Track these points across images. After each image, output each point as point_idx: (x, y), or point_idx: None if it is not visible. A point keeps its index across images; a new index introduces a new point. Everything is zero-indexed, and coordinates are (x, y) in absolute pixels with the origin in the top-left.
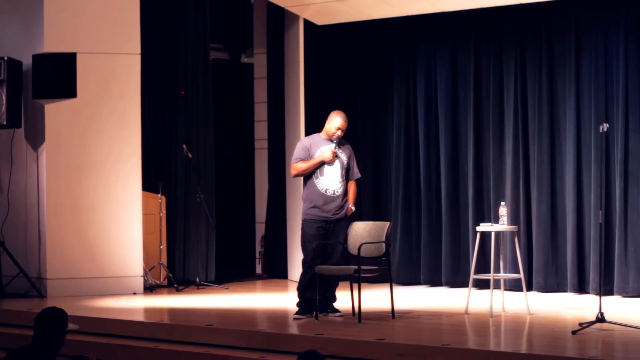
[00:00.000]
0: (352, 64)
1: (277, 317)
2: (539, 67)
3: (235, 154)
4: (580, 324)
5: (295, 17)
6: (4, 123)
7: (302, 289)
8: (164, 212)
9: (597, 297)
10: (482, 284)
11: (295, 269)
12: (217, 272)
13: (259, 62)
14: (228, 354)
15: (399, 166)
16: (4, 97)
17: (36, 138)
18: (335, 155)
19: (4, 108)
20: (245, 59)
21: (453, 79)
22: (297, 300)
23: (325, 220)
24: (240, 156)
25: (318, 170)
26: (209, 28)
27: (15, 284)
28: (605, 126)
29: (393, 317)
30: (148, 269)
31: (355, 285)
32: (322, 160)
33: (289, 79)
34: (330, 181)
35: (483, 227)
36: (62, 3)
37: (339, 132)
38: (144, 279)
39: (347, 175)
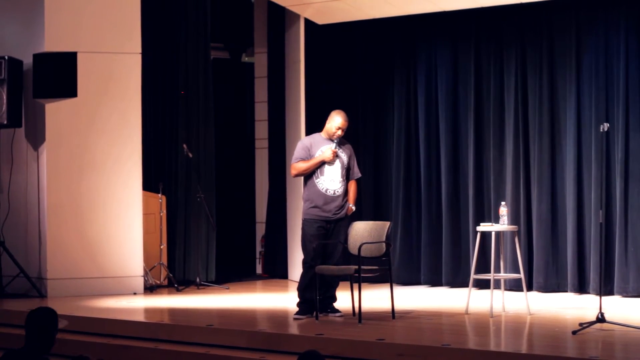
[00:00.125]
0: (353, 63)
1: (277, 317)
2: (540, 67)
3: (236, 153)
4: (581, 324)
5: (296, 17)
6: (5, 122)
7: (302, 289)
8: (165, 212)
9: (598, 297)
10: (483, 284)
11: (296, 269)
12: (218, 272)
13: (260, 61)
14: (228, 354)
15: (400, 166)
16: (4, 97)
17: (36, 138)
18: (336, 155)
19: (4, 107)
20: (246, 59)
21: (454, 79)
22: (298, 300)
23: (325, 220)
24: (241, 156)
25: (318, 170)
26: (210, 27)
27: (16, 284)
28: (606, 126)
29: (393, 317)
30: (148, 269)
31: (355, 285)
32: (322, 160)
33: (290, 78)
34: (331, 181)
35: (483, 227)
36: (62, 2)
37: (339, 132)
38: (145, 279)
39: (347, 175)
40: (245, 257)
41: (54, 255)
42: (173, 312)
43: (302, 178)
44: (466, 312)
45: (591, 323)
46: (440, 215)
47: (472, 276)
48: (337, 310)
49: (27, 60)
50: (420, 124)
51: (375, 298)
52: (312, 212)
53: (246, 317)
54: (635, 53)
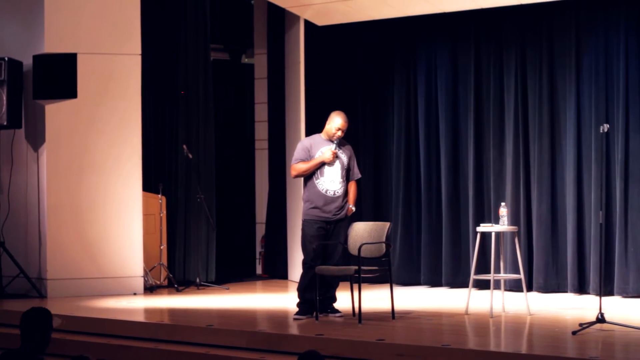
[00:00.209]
0: (353, 64)
1: (277, 318)
2: (540, 68)
3: (236, 154)
4: (581, 325)
5: (296, 18)
6: (5, 123)
7: (302, 290)
8: (164, 212)
9: (598, 298)
10: (483, 285)
11: (296, 270)
12: (218, 272)
13: (260, 62)
14: (228, 355)
15: (400, 166)
16: (4, 98)
17: (36, 138)
18: (336, 156)
19: (4, 108)
20: (246, 60)
21: (453, 79)
22: (298, 300)
23: (325, 220)
24: (241, 157)
25: (318, 171)
26: (210, 28)
27: (16, 285)
28: (606, 126)
29: (393, 317)
30: (148, 270)
31: (355, 286)
32: (322, 161)
33: (290, 79)
34: (331, 182)
35: (483, 227)
36: (62, 3)
37: (339, 133)
38: (144, 279)
39: (347, 176)
40: (245, 258)
41: (54, 255)
42: (173, 312)
43: (302, 179)
44: (466, 313)
45: (591, 323)
46: (440, 216)
47: (472, 276)
48: (337, 311)
49: (27, 62)
50: (420, 124)
51: (375, 298)
52: (312, 213)
53: (246, 318)
54: (635, 53)
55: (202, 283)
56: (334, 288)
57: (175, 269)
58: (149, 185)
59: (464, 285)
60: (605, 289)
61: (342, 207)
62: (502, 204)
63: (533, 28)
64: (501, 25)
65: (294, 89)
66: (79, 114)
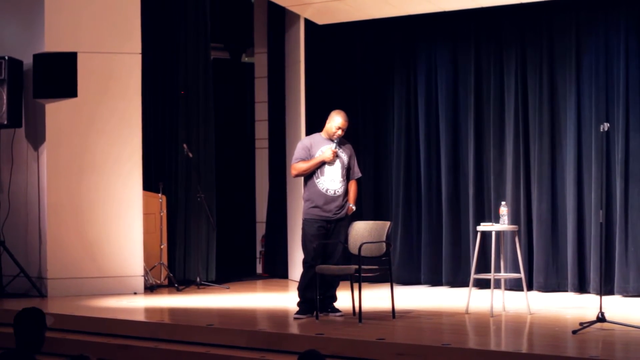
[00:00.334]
0: (353, 63)
1: (277, 317)
2: (540, 67)
3: (236, 153)
4: (581, 324)
5: (296, 17)
6: (5, 123)
7: (302, 289)
8: (165, 211)
9: (598, 297)
10: (483, 284)
11: (296, 269)
12: (218, 271)
13: (260, 61)
14: (229, 354)
15: (400, 166)
16: (4, 97)
17: (37, 138)
18: (336, 155)
19: (4, 108)
20: (246, 59)
21: (453, 79)
22: (298, 300)
23: (326, 220)
24: (241, 156)
25: (319, 170)
26: (210, 27)
27: (16, 284)
28: (606, 126)
29: (393, 316)
30: (149, 269)
31: (355, 285)
32: (322, 160)
33: (290, 78)
34: (331, 181)
35: (484, 226)
36: (62, 3)
37: (339, 132)
38: (145, 278)
39: (347, 175)
40: (246, 257)
41: (54, 255)
42: (173, 311)
43: (303, 178)
44: (466, 312)
45: (591, 323)
46: (440, 215)
47: (473, 276)
48: (337, 310)
49: (27, 61)
50: (420, 124)
51: (376, 298)
52: (312, 212)
53: (246, 317)
54: (635, 53)
55: (203, 282)
56: (334, 287)
57: (176, 268)
58: (149, 185)
59: (464, 284)
60: (606, 288)
61: (342, 206)
62: (503, 203)
63: (533, 28)
64: (501, 25)
65: (294, 88)
66: (79, 113)
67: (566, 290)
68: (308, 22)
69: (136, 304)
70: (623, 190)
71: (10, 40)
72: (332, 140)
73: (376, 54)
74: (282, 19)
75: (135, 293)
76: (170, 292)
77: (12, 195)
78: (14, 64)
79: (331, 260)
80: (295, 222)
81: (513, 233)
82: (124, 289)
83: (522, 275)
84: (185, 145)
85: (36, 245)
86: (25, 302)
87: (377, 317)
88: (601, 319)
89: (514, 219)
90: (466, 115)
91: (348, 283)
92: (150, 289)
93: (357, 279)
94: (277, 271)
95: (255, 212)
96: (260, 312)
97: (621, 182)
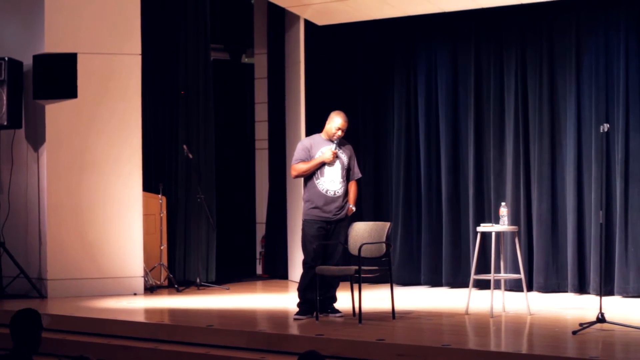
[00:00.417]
0: (353, 64)
1: (277, 318)
2: (540, 67)
3: (236, 154)
4: (581, 324)
5: (296, 18)
6: (5, 123)
7: (302, 290)
8: (165, 212)
9: (598, 298)
10: (483, 285)
11: (296, 270)
12: (218, 272)
13: (260, 62)
14: (228, 355)
15: (400, 166)
16: (4, 98)
17: (37, 138)
18: (336, 156)
19: (4, 108)
20: (246, 59)
21: (454, 79)
22: (298, 300)
23: (325, 220)
24: (241, 156)
25: (319, 171)
26: (210, 28)
27: (16, 285)
28: (606, 126)
29: (393, 317)
30: (148, 270)
31: (355, 286)
32: (322, 161)
33: (290, 79)
34: (331, 182)
35: (483, 227)
36: (62, 3)
37: (339, 133)
38: (145, 279)
39: (347, 176)
40: (246, 258)
41: (54, 255)
42: (173, 312)
43: (302, 179)
44: (466, 313)
45: (591, 323)
46: (440, 216)
47: (472, 276)
48: (337, 311)
49: (27, 61)
50: (420, 124)
51: (376, 298)
52: (312, 213)
53: (246, 318)
54: (635, 53)
55: (202, 283)
56: (334, 288)
57: (176, 269)
58: (149, 185)
59: (464, 285)
60: (606, 289)
61: (342, 207)
62: (503, 203)
63: (533, 28)
64: (501, 25)
65: (294, 89)
66: (79, 114)
67: (566, 291)
68: (308, 23)
69: (136, 305)
70: (623, 191)
71: (10, 41)
72: (332, 141)
73: (376, 54)
74: (282, 19)
75: (135, 294)
76: (170, 293)
77: (12, 196)
78: (14, 65)
79: (331, 261)
80: (295, 223)
81: (513, 233)
82: (123, 289)
83: (522, 275)
84: (185, 146)
85: (36, 246)
86: (25, 303)
87: (377, 317)
88: (601, 319)
89: (514, 219)
90: (466, 115)
91: (348, 284)
92: (150, 289)
93: (357, 280)
94: (277, 272)
95: (255, 212)
96: (260, 312)
97: (621, 182)
